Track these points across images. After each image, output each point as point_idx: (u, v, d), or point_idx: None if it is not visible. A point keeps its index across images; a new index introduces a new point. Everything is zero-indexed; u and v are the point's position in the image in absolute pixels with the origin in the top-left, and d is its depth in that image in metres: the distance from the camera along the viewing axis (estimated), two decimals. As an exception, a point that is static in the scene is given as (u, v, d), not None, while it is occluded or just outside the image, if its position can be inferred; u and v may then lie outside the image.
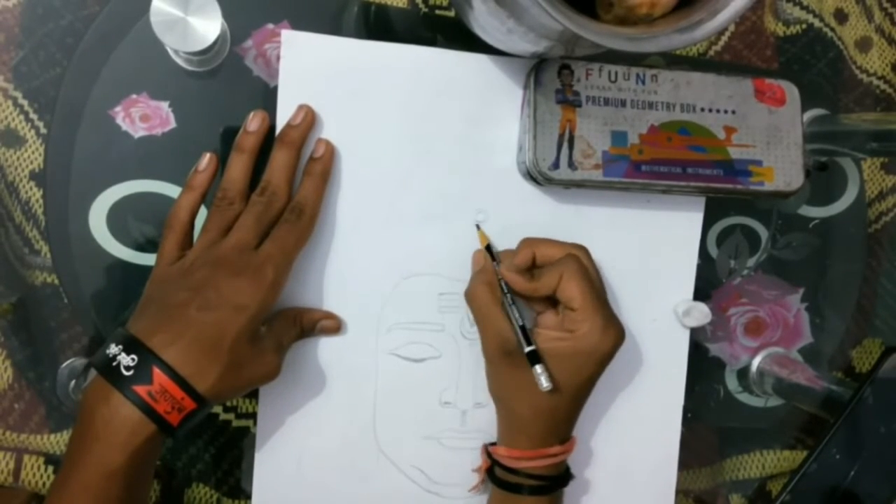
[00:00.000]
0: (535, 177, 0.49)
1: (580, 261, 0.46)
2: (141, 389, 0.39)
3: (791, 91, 0.52)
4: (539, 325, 0.48)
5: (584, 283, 0.45)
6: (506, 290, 0.47)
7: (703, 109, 0.51)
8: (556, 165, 0.48)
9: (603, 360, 0.46)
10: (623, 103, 0.49)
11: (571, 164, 0.48)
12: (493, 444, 0.50)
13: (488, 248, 0.50)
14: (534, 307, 0.49)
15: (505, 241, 0.51)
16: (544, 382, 0.44)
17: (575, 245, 0.48)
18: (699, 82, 0.51)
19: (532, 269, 0.48)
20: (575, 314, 0.45)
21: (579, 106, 0.49)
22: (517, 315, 0.46)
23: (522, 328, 0.45)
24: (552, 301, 0.48)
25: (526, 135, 0.49)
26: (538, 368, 0.44)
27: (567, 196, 0.52)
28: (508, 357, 0.46)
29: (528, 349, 0.45)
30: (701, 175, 0.50)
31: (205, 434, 0.51)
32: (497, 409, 0.50)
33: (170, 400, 0.39)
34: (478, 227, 0.51)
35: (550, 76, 0.49)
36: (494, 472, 0.49)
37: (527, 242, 0.49)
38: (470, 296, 0.48)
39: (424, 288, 0.51)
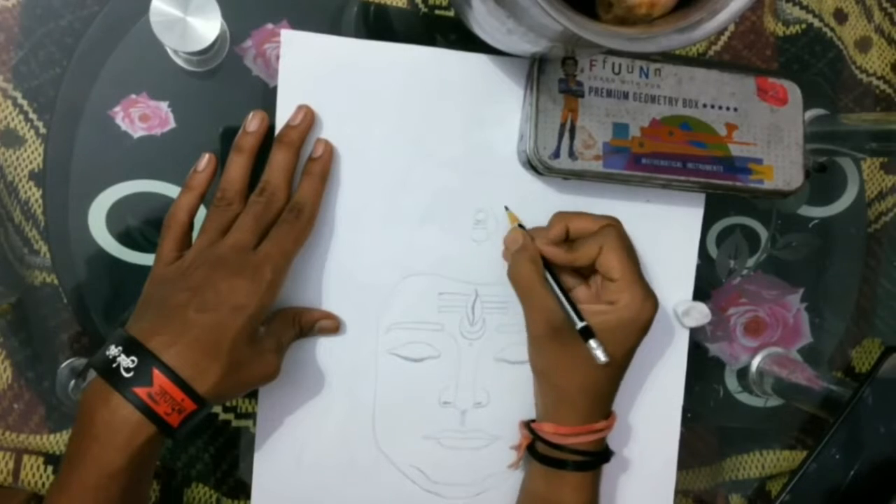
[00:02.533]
0: (536, 165, 0.49)
1: (619, 231, 0.47)
2: (141, 391, 0.39)
3: (793, 91, 0.52)
4: (574, 300, 0.48)
5: (624, 254, 0.46)
6: (546, 270, 0.47)
7: (705, 105, 0.51)
8: (556, 155, 0.48)
9: (644, 329, 0.46)
10: (626, 96, 0.49)
11: (572, 154, 0.48)
12: (532, 420, 0.50)
13: (521, 226, 0.50)
14: (565, 282, 0.49)
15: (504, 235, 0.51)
16: (601, 356, 0.44)
17: (608, 217, 0.49)
18: (702, 78, 0.51)
19: (565, 243, 0.48)
20: (615, 285, 0.45)
21: (582, 96, 0.49)
22: (563, 291, 0.46)
23: (572, 304, 0.45)
24: (582, 275, 0.48)
25: (527, 123, 0.49)
26: (593, 343, 0.44)
27: (567, 190, 0.52)
28: (556, 333, 0.46)
29: (580, 325, 0.45)
30: (701, 171, 0.50)
31: (204, 434, 0.51)
32: (540, 384, 0.50)
33: (170, 401, 0.39)
34: (506, 208, 0.51)
35: (554, 66, 0.49)
36: (536, 449, 0.49)
37: (559, 216, 0.49)
38: (515, 275, 0.48)
39: (424, 288, 0.51)
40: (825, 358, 0.60)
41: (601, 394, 0.48)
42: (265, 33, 0.50)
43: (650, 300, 0.46)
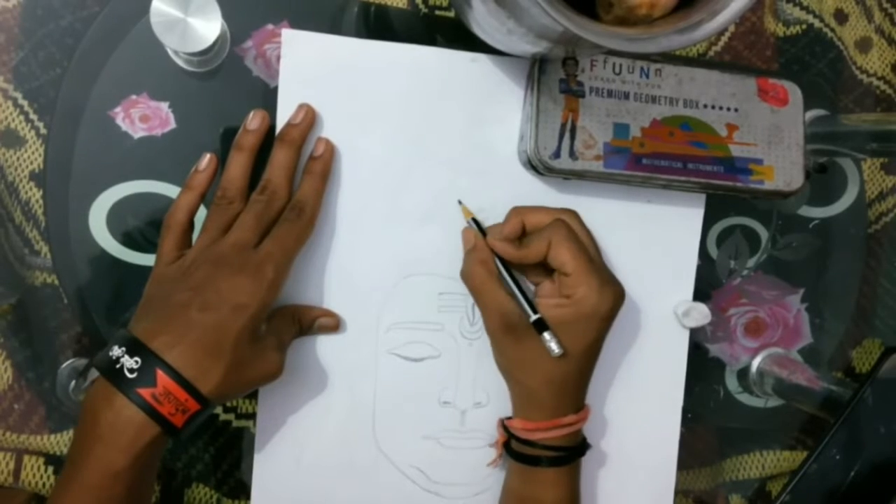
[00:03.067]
0: (536, 165, 0.49)
1: (567, 225, 0.47)
2: (145, 392, 0.39)
3: (794, 91, 0.52)
4: (538, 294, 0.48)
5: (573, 247, 0.45)
6: (499, 264, 0.47)
7: (705, 106, 0.51)
8: (557, 155, 0.48)
9: (604, 321, 0.46)
10: (626, 96, 0.49)
11: (573, 154, 0.48)
12: (509, 418, 0.50)
13: (475, 221, 0.50)
14: (530, 278, 0.49)
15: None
16: (555, 348, 0.44)
17: (563, 210, 0.49)
18: (703, 78, 0.51)
19: (522, 237, 0.48)
20: (569, 279, 0.45)
21: (582, 96, 0.49)
22: (515, 285, 0.46)
23: (525, 297, 0.45)
24: (548, 270, 0.48)
25: (528, 123, 0.49)
26: (546, 335, 0.44)
27: (567, 190, 0.52)
28: (512, 330, 0.46)
29: (533, 318, 0.45)
30: (701, 171, 0.50)
31: (205, 434, 0.51)
32: (507, 383, 0.50)
33: (174, 402, 0.39)
34: (460, 202, 0.51)
35: (555, 66, 0.49)
36: (511, 446, 0.49)
37: (515, 211, 0.49)
38: (466, 275, 0.48)
39: (424, 287, 0.51)
40: (825, 358, 0.60)
41: (566, 388, 0.47)
42: (265, 34, 0.50)
43: (608, 290, 0.45)
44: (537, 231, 0.47)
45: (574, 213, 0.48)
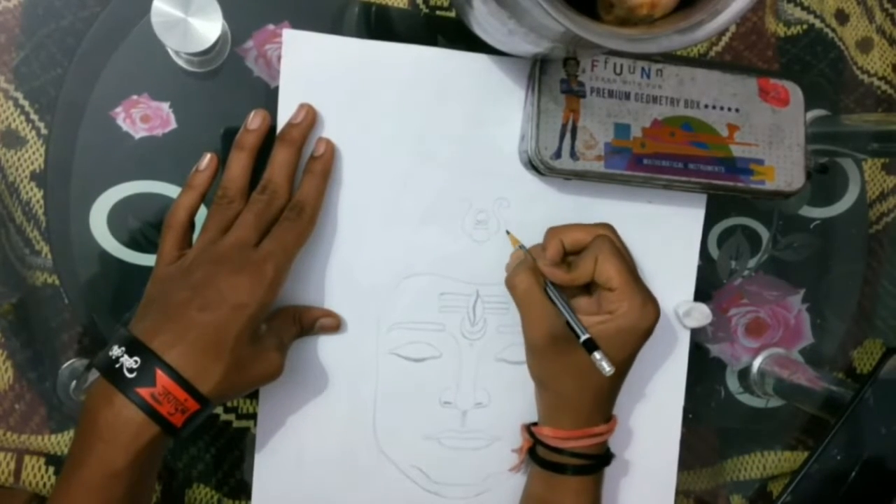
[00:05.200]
0: (537, 165, 0.49)
1: (612, 241, 0.47)
2: (144, 391, 0.39)
3: (795, 92, 0.52)
4: (576, 311, 0.48)
5: (619, 263, 0.45)
6: (548, 282, 0.47)
7: (706, 106, 0.51)
8: (558, 155, 0.48)
9: (643, 336, 0.46)
10: (627, 96, 0.49)
11: (573, 155, 0.48)
12: (534, 424, 0.50)
13: (522, 247, 0.50)
14: (567, 293, 0.49)
15: (506, 240, 0.51)
16: (607, 367, 0.43)
17: (600, 225, 0.49)
18: (704, 79, 0.51)
19: (565, 257, 0.48)
20: (613, 294, 0.45)
21: (583, 97, 0.49)
22: (565, 303, 0.46)
23: (575, 316, 0.45)
24: (584, 287, 0.48)
25: (529, 123, 0.49)
26: (597, 355, 0.44)
27: (568, 190, 0.52)
28: (555, 341, 0.46)
29: (584, 337, 0.44)
30: (702, 171, 0.50)
31: (205, 435, 0.51)
32: (539, 391, 0.50)
33: (173, 402, 0.39)
34: (508, 232, 0.51)
35: (556, 66, 0.49)
36: (537, 453, 0.49)
37: (552, 232, 0.49)
38: (512, 283, 0.48)
39: (425, 288, 0.51)
40: (826, 359, 0.60)
41: (601, 399, 0.48)
42: (266, 34, 0.50)
43: (649, 306, 0.46)
44: (580, 250, 0.47)
45: (611, 227, 0.49)
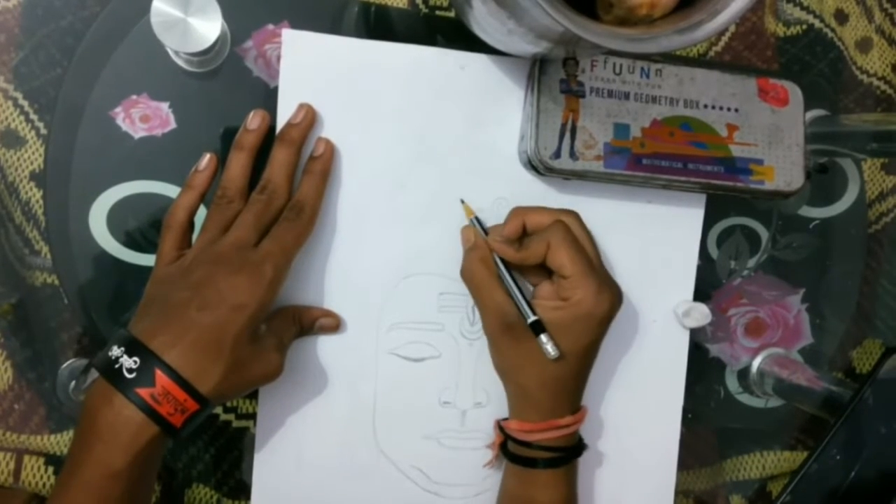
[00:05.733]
0: (536, 166, 0.49)
1: (566, 227, 0.46)
2: (143, 392, 0.39)
3: (794, 92, 0.52)
4: (536, 296, 0.48)
5: (572, 250, 0.45)
6: (500, 264, 0.47)
7: (706, 106, 0.51)
8: (557, 155, 0.48)
9: (601, 325, 0.46)
10: (627, 96, 0.49)
11: (573, 155, 0.48)
12: (506, 419, 0.50)
13: (477, 220, 0.49)
14: (530, 279, 0.49)
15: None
16: (551, 351, 0.44)
17: (564, 210, 0.48)
18: (703, 79, 0.51)
19: (523, 238, 0.48)
20: (567, 281, 0.45)
21: (583, 97, 0.49)
22: (515, 286, 0.46)
23: (524, 299, 0.45)
24: (548, 271, 0.48)
25: (528, 123, 0.49)
26: (543, 337, 0.44)
27: (568, 190, 0.52)
28: (510, 330, 0.46)
29: (531, 319, 0.45)
30: (702, 171, 0.50)
31: (205, 435, 0.51)
32: (504, 384, 0.50)
33: (172, 402, 0.39)
34: (462, 201, 0.51)
35: (555, 66, 0.49)
36: (508, 448, 0.49)
37: (516, 212, 0.49)
38: (465, 273, 0.48)
39: (424, 287, 0.51)
40: (826, 359, 0.60)
41: (563, 389, 0.47)
42: (266, 34, 0.50)
43: (605, 293, 0.45)
44: (537, 232, 0.47)
45: (575, 215, 0.48)
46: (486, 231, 0.49)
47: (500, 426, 0.50)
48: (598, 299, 0.45)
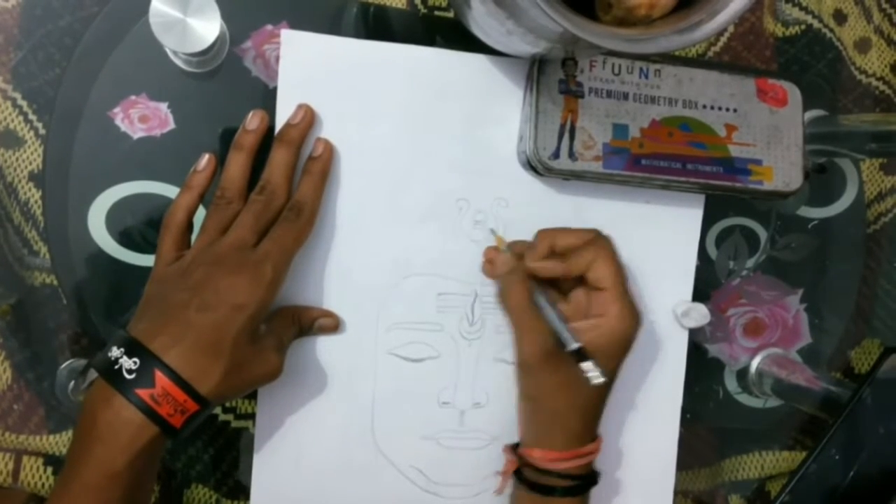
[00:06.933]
0: (535, 166, 0.49)
1: (612, 243, 0.47)
2: (143, 393, 0.39)
3: (793, 92, 0.52)
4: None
5: (616, 265, 0.45)
6: (537, 290, 0.46)
7: (704, 106, 0.51)
8: (556, 155, 0.48)
9: (629, 345, 0.46)
10: (625, 96, 0.49)
11: (572, 155, 0.48)
12: (516, 444, 0.50)
13: (508, 247, 0.49)
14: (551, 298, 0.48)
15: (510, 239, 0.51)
16: (597, 377, 0.43)
17: (593, 230, 0.48)
18: (702, 79, 0.51)
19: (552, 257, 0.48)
20: (605, 295, 0.45)
21: (582, 97, 0.49)
22: (555, 311, 0.45)
23: (566, 325, 0.44)
24: (562, 292, 0.47)
25: (527, 124, 0.49)
26: (587, 365, 0.43)
27: (567, 191, 0.52)
28: (549, 357, 0.45)
29: (574, 346, 0.43)
30: (700, 171, 0.50)
31: (204, 435, 0.51)
32: (529, 410, 0.49)
33: (172, 403, 0.39)
34: (493, 231, 0.51)
35: (554, 66, 0.49)
36: (523, 474, 0.49)
37: (543, 234, 0.48)
38: (506, 298, 0.47)
39: (423, 288, 0.51)
40: (824, 359, 0.60)
41: (593, 414, 0.47)
42: (265, 34, 0.50)
43: (637, 314, 0.45)
44: (576, 249, 0.46)
45: (607, 235, 0.48)
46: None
47: (516, 453, 0.50)
48: (633, 318, 0.45)
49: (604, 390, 0.46)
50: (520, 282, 0.46)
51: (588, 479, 0.48)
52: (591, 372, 0.43)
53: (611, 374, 0.46)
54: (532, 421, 0.49)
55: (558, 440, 0.47)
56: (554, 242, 0.47)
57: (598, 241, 0.46)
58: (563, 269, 0.46)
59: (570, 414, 0.46)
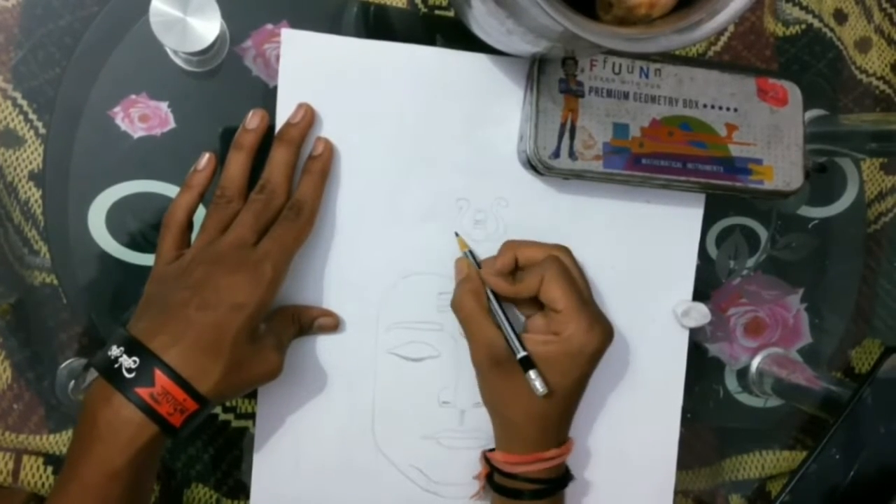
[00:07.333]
0: (536, 165, 0.49)
1: (561, 262, 0.46)
2: (143, 391, 0.39)
3: (793, 91, 0.52)
4: (527, 329, 0.48)
5: (565, 284, 0.45)
6: (491, 297, 0.47)
7: (705, 106, 0.51)
8: (556, 154, 0.48)
9: (591, 360, 0.46)
10: (626, 96, 0.49)
11: (572, 154, 0.48)
12: (492, 449, 0.50)
13: (470, 253, 0.50)
14: (522, 312, 0.49)
15: (504, 241, 0.51)
16: (539, 387, 0.44)
17: (557, 246, 0.48)
18: (702, 78, 0.51)
19: (515, 272, 0.48)
20: (559, 316, 0.45)
21: (582, 96, 0.49)
22: (506, 321, 0.46)
23: (515, 333, 0.45)
24: (539, 304, 0.47)
25: (527, 123, 0.49)
26: (532, 374, 0.44)
27: (567, 190, 0.52)
28: (498, 365, 0.46)
29: (520, 355, 0.44)
30: (701, 171, 0.50)
31: (204, 434, 0.51)
32: (491, 416, 0.49)
33: (172, 402, 0.39)
34: (456, 234, 0.51)
35: (554, 66, 0.49)
36: (494, 479, 0.49)
37: (508, 245, 0.49)
38: (456, 305, 0.48)
39: (423, 287, 0.51)
40: (825, 358, 0.60)
41: (550, 424, 0.47)
42: (265, 33, 0.50)
43: (597, 330, 0.45)
44: (530, 266, 0.47)
45: (567, 250, 0.48)
46: (478, 264, 0.49)
47: (486, 457, 0.50)
48: (590, 335, 0.45)
49: (560, 401, 0.46)
50: (469, 290, 0.47)
51: (556, 482, 0.48)
52: (536, 381, 0.44)
53: (569, 387, 0.46)
54: (495, 426, 0.49)
55: (517, 445, 0.47)
56: (517, 254, 0.48)
57: (546, 262, 0.46)
58: (511, 291, 0.46)
59: (524, 422, 0.46)
